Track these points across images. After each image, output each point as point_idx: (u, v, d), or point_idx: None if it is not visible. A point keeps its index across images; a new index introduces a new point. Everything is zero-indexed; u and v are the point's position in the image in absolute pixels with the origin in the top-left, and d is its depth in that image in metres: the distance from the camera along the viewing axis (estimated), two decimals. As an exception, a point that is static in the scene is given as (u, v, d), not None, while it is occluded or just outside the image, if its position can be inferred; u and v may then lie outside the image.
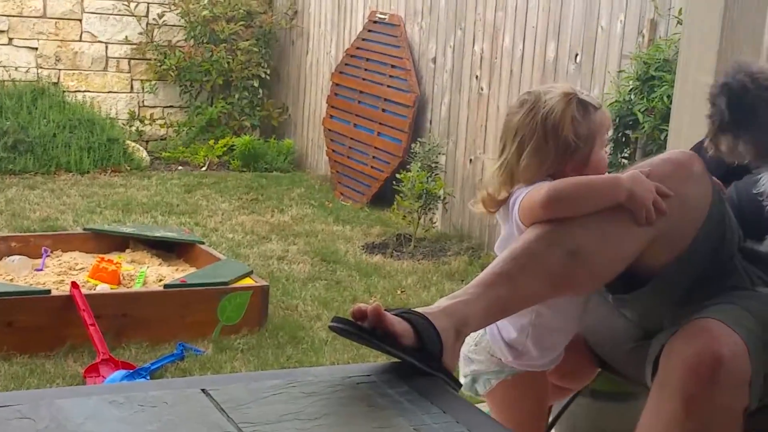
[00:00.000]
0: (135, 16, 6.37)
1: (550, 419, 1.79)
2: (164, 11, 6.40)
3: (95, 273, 3.40)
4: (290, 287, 3.84)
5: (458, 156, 4.86)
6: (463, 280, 3.91)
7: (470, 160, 4.77)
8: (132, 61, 6.46)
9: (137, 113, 6.51)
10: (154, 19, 6.42)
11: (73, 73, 6.32)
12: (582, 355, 1.67)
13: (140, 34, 6.41)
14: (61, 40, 6.26)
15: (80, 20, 6.29)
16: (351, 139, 5.57)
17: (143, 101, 6.53)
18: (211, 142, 6.29)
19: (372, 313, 1.25)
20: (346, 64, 5.68)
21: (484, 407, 1.59)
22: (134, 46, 6.41)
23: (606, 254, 1.43)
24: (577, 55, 4.09)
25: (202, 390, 1.16)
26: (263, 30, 6.45)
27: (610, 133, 2.51)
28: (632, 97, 3.42)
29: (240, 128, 6.46)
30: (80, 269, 3.54)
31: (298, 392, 1.17)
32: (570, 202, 1.42)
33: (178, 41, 6.45)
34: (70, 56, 6.29)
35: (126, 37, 6.39)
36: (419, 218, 4.56)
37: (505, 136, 1.55)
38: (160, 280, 3.46)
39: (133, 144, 6.11)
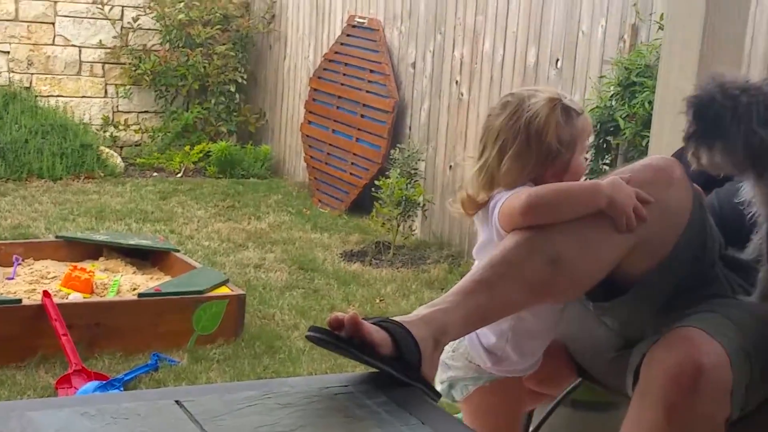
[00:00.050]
0: (109, 19, 6.31)
1: (531, 429, 1.77)
2: (139, 15, 6.35)
3: (68, 282, 3.36)
4: (267, 296, 3.80)
5: (438, 162, 4.85)
6: (443, 289, 3.89)
7: (450, 166, 4.76)
8: (106, 66, 6.39)
9: (111, 118, 6.45)
10: (128, 22, 6.36)
11: (46, 78, 6.24)
12: (560, 361, 1.66)
13: (114, 37, 6.35)
14: (34, 44, 6.18)
15: (53, 24, 6.22)
16: (329, 145, 5.54)
17: (117, 106, 6.47)
18: (187, 148, 6.24)
19: (349, 322, 1.24)
20: (324, 69, 5.66)
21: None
22: (108, 50, 6.35)
23: (586, 261, 1.42)
24: (558, 60, 4.10)
25: (176, 401, 1.15)
26: (240, 34, 6.42)
27: (591, 139, 2.50)
28: (613, 102, 3.43)
29: (216, 134, 6.41)
30: (52, 278, 3.50)
31: (274, 403, 1.16)
32: (550, 208, 1.42)
33: (153, 45, 6.40)
34: (42, 60, 6.22)
35: (100, 41, 6.33)
36: (398, 225, 4.54)
37: (485, 138, 1.54)
38: (134, 289, 3.42)
39: (107, 150, 6.05)
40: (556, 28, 4.11)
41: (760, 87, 1.42)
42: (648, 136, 2.67)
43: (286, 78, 6.31)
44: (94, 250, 3.83)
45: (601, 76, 3.72)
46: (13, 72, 6.12)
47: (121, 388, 2.79)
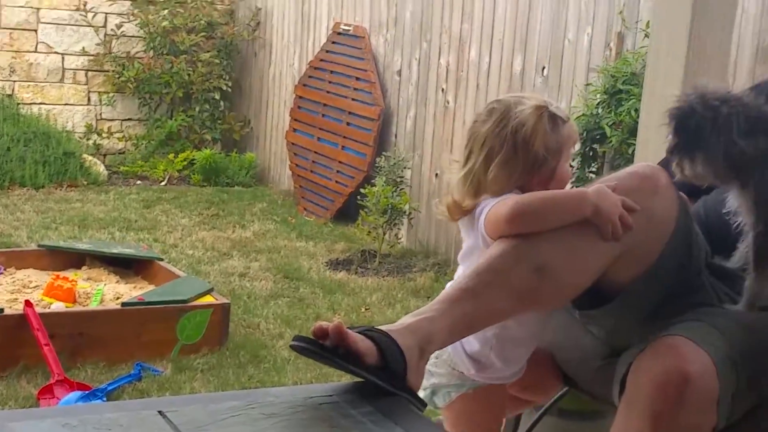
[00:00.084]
0: (92, 26, 6.28)
1: (517, 438, 1.76)
2: (123, 22, 6.32)
3: (50, 291, 3.33)
4: (252, 305, 3.78)
5: (424, 170, 4.85)
6: (428, 297, 3.89)
7: (436, 174, 4.76)
8: (89, 73, 6.36)
9: (95, 126, 6.41)
10: (112, 29, 6.33)
11: (29, 85, 6.20)
12: (546, 369, 1.66)
13: (98, 45, 6.32)
14: (16, 51, 6.13)
15: (36, 30, 6.18)
16: (314, 152, 5.53)
17: (101, 114, 6.43)
18: (171, 156, 6.21)
19: (333, 331, 1.23)
20: (309, 77, 5.65)
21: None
22: (92, 58, 6.31)
23: (572, 270, 1.42)
24: (543, 68, 4.11)
25: (159, 412, 1.14)
26: (225, 41, 6.40)
27: (578, 146, 2.50)
28: (600, 110, 3.43)
29: (201, 142, 6.38)
30: (34, 287, 3.47)
31: (258, 413, 1.15)
32: (535, 217, 1.41)
33: (137, 52, 6.37)
34: (25, 67, 6.17)
35: (83, 48, 6.29)
36: (384, 234, 4.53)
37: (471, 145, 1.53)
38: (118, 298, 3.39)
39: (90, 158, 6.00)
40: (542, 36, 4.12)
41: (741, 98, 1.42)
42: (634, 144, 2.68)
43: (271, 86, 6.30)
44: (76, 259, 3.80)
45: (587, 84, 3.74)
46: (-5, 79, 6.09)
47: (104, 399, 2.76)
